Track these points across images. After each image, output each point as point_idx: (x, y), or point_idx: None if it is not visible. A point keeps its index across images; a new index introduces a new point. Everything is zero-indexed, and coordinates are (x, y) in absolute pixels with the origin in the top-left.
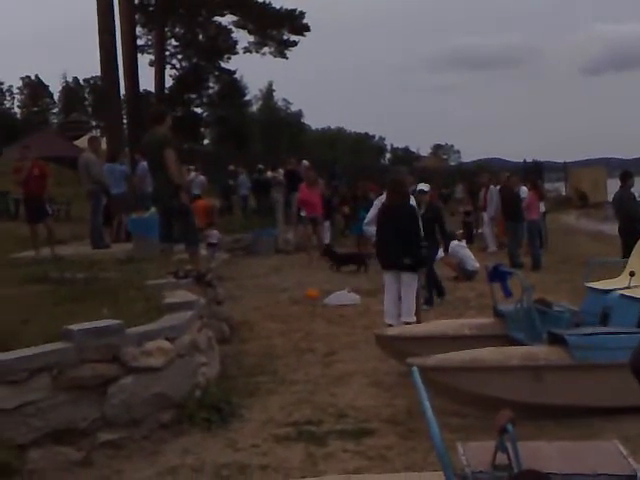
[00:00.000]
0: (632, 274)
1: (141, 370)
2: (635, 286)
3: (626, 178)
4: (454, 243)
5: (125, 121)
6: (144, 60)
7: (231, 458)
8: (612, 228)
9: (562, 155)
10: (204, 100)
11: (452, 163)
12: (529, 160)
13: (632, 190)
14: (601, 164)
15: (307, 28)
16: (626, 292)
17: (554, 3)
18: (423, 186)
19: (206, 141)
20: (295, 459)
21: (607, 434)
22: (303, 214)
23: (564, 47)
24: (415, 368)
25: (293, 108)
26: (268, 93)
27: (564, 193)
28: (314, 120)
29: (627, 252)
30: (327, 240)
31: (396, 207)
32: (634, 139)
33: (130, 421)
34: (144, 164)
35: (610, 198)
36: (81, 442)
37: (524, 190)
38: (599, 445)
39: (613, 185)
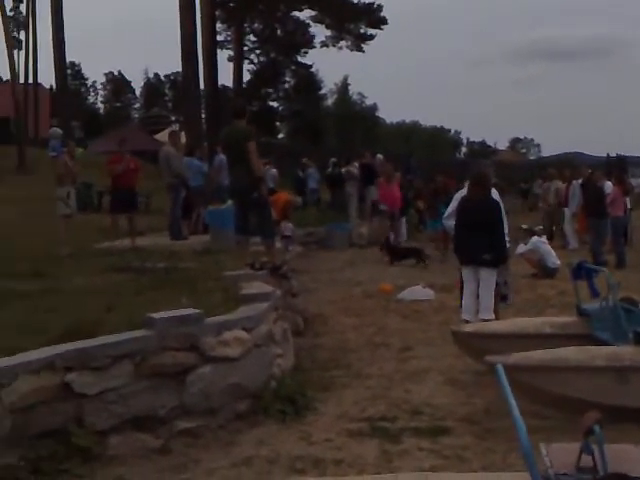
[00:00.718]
0: None
1: (219, 360)
2: None
3: None
4: (535, 238)
5: (203, 115)
6: (223, 55)
7: (305, 451)
8: None
9: None
10: (280, 94)
11: (531, 157)
12: (612, 154)
13: None
14: None
15: (384, 21)
16: None
17: None
18: None
19: (281, 135)
20: (369, 455)
21: None
22: (383, 208)
23: None
24: (499, 366)
25: (368, 102)
26: (343, 87)
27: None
28: (389, 114)
29: None
30: (404, 236)
31: (478, 201)
32: None
33: (207, 410)
34: (221, 157)
35: None
36: (159, 429)
37: (609, 185)
38: None
39: None
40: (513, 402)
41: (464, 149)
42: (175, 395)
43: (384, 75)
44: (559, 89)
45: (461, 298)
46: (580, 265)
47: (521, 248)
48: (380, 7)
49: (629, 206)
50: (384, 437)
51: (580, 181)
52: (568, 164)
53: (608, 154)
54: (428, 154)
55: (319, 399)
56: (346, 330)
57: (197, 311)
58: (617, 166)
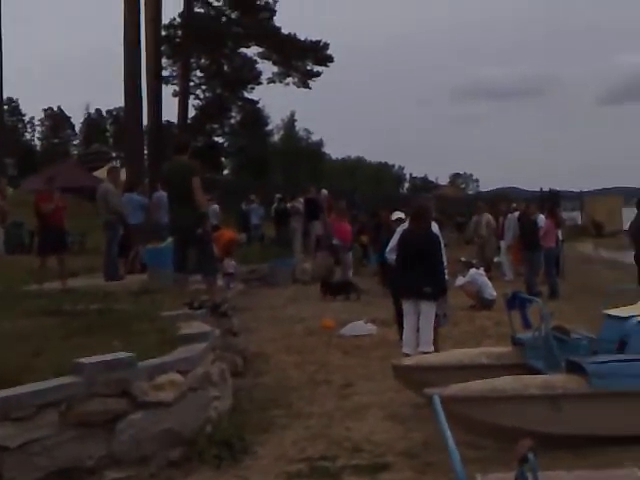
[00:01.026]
0: None
1: (151, 405)
2: None
3: None
4: (473, 271)
5: (146, 151)
6: (168, 90)
7: None
8: (628, 256)
9: (579, 184)
10: (226, 130)
11: (470, 192)
12: (546, 189)
13: None
14: (617, 193)
15: (331, 59)
16: None
17: (575, 33)
18: (399, 214)
19: (226, 171)
20: None
21: (625, 464)
22: (336, 243)
23: (583, 77)
24: (436, 396)
25: (314, 138)
26: (290, 123)
27: (580, 222)
28: (335, 150)
29: None
30: (351, 271)
31: (419, 234)
32: None
33: (138, 458)
34: (159, 194)
35: (626, 227)
36: None
37: (542, 219)
38: (619, 473)
39: (629, 214)
40: (448, 433)
41: (407, 184)
42: (104, 444)
43: (330, 111)
44: (497, 126)
45: (400, 332)
46: (514, 296)
47: (460, 280)
48: (326, 45)
49: (561, 238)
50: (324, 477)
51: (517, 214)
52: (504, 198)
53: (541, 188)
54: (372, 189)
55: (257, 441)
56: (287, 368)
57: (129, 355)
58: (550, 200)
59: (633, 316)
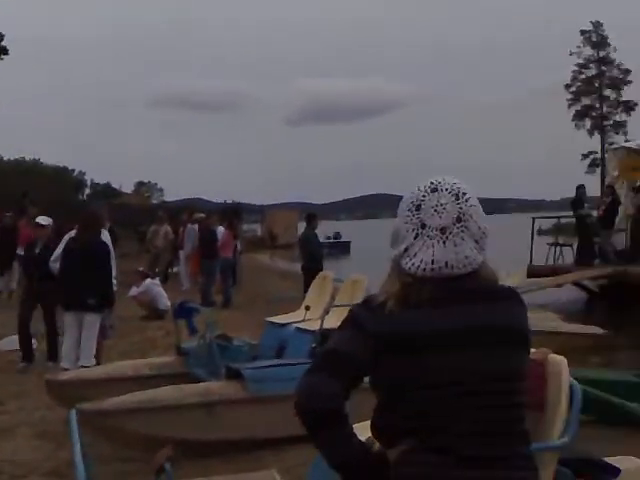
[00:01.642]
0: (307, 308)
1: None
2: (309, 319)
3: (311, 220)
4: (148, 281)
5: None
6: None
7: None
8: (298, 267)
9: (262, 197)
10: None
11: (155, 201)
12: (230, 201)
13: (316, 231)
14: (296, 207)
15: (5, 51)
16: (301, 325)
17: (268, 54)
18: (41, 219)
19: None
20: None
21: (271, 466)
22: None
23: (273, 97)
24: (73, 411)
25: None
26: None
27: (260, 233)
28: (6, 150)
29: (308, 288)
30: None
31: (86, 243)
32: (327, 186)
33: None
34: None
35: None
36: None
37: (220, 230)
38: (256, 476)
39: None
40: (78, 448)
41: (88, 190)
42: None
43: (2, 106)
44: (187, 137)
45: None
46: (181, 305)
47: (133, 291)
48: (1, 36)
49: (239, 249)
50: None
51: (197, 225)
52: (188, 208)
53: (225, 200)
54: (49, 194)
55: None
56: None
57: None
58: (232, 212)
59: (291, 322)
